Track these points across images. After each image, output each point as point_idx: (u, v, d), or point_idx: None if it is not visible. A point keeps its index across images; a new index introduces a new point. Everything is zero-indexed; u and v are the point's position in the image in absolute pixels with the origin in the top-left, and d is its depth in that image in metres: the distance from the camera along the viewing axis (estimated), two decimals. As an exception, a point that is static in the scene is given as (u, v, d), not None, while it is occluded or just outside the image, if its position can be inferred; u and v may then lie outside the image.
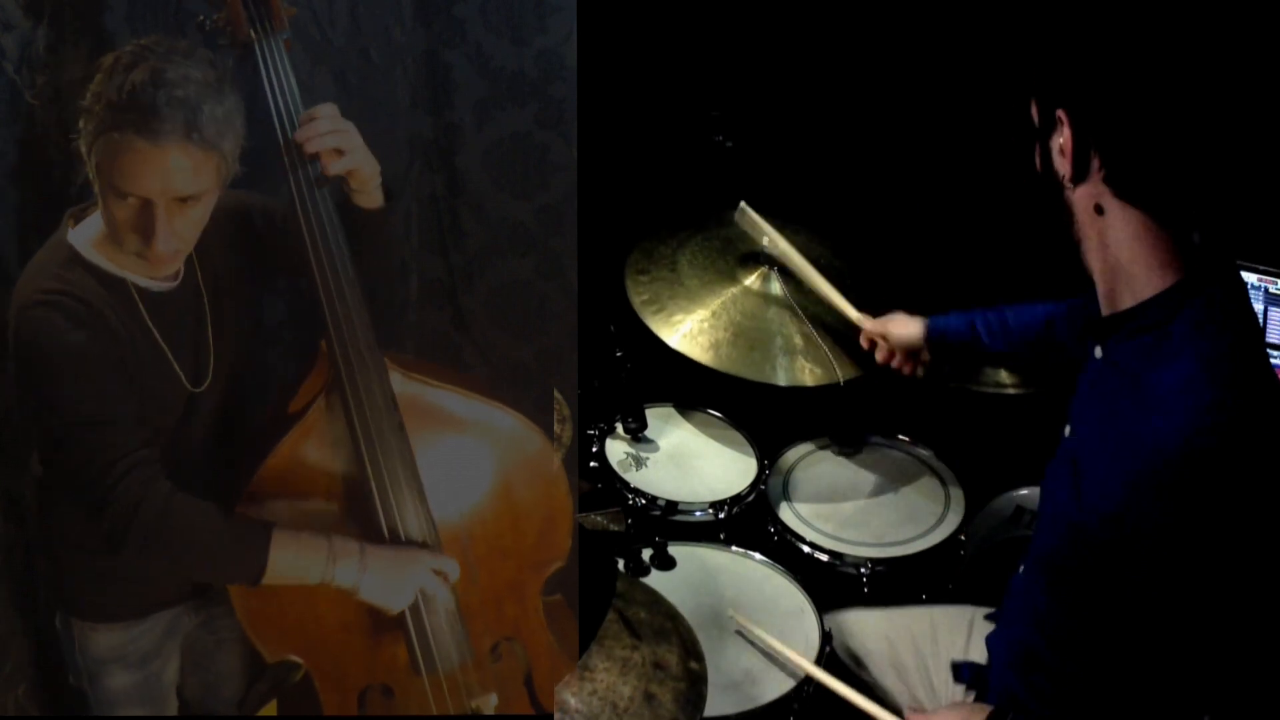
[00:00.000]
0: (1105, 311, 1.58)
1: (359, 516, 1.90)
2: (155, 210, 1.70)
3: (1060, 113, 1.50)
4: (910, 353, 2.27)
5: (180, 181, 1.70)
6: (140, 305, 1.81)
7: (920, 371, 2.29)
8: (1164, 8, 1.45)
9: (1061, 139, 1.50)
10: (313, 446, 1.89)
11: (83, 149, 1.71)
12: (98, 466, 1.74)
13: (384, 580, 1.85)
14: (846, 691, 1.90)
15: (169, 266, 1.84)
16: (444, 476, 1.93)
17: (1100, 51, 1.46)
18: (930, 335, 2.22)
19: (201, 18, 1.89)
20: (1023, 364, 2.32)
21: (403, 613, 1.91)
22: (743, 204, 2.50)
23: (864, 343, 2.34)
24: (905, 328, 2.25)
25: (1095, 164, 1.48)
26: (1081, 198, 1.53)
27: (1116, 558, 1.53)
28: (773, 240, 2.46)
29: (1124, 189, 1.48)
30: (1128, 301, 1.54)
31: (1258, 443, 1.44)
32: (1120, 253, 1.51)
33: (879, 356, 2.31)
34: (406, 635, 1.91)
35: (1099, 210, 1.51)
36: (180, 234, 1.75)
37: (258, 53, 1.85)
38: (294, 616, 1.89)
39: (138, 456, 1.76)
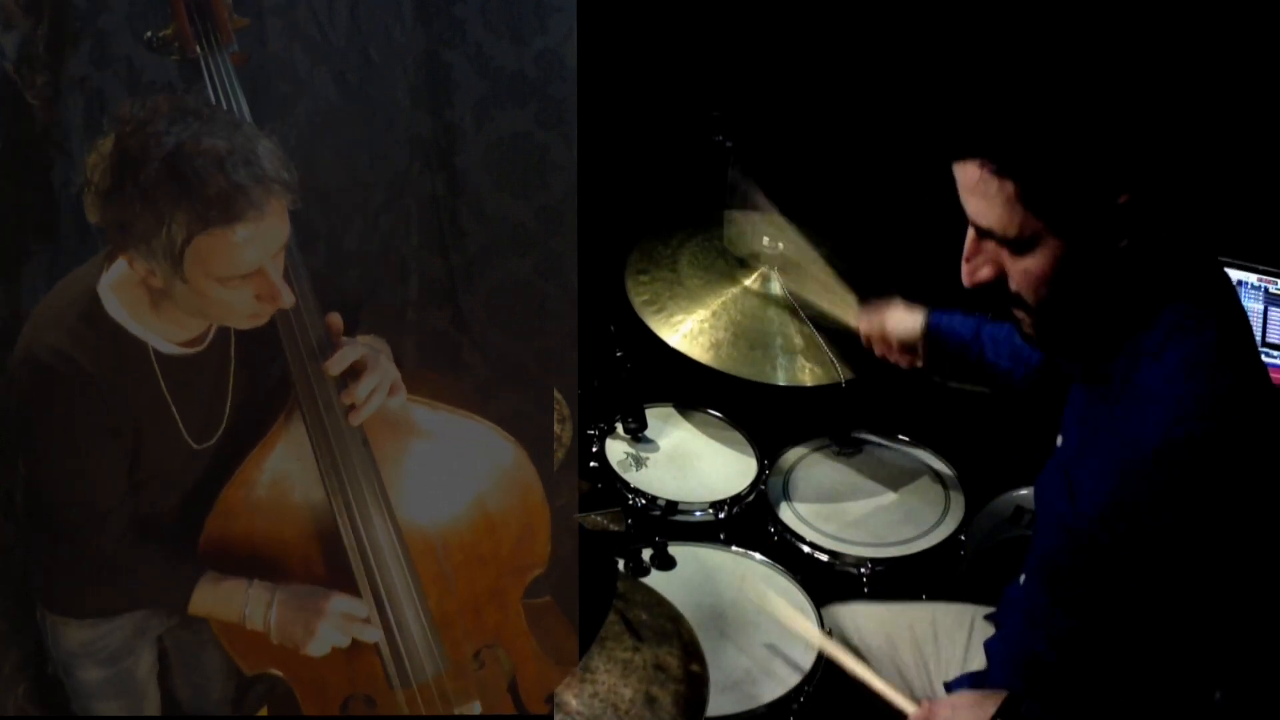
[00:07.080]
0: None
1: (325, 533, 1.89)
2: (268, 271, 1.66)
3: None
4: (907, 347, 2.14)
5: (278, 235, 1.65)
6: (155, 368, 1.78)
7: (919, 363, 2.13)
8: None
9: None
10: (275, 465, 1.88)
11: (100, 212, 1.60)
12: (69, 517, 1.81)
13: (290, 623, 1.86)
14: (858, 668, 1.91)
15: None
16: (415, 488, 1.93)
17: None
18: (929, 330, 2.08)
19: (149, 33, 1.85)
20: (1012, 386, 2.04)
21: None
22: (728, 211, 2.49)
23: (865, 338, 2.23)
24: (902, 321, 2.13)
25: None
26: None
27: (1114, 556, 1.54)
28: (771, 236, 2.44)
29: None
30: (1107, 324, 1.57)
31: (1242, 431, 1.46)
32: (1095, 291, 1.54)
33: (877, 350, 2.20)
34: (379, 651, 1.91)
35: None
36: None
37: (204, 68, 1.82)
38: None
39: (111, 517, 1.81)
